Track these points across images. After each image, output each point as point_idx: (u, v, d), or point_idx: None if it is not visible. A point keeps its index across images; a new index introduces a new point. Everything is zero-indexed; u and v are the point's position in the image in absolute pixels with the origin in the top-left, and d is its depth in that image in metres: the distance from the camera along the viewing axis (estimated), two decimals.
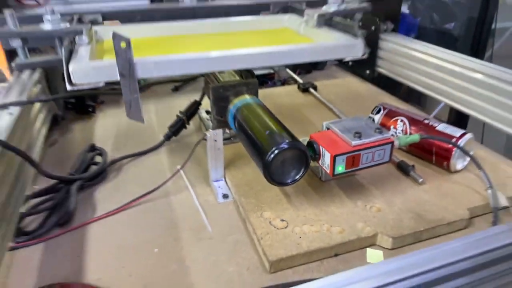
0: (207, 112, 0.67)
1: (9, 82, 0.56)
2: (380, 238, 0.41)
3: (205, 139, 0.50)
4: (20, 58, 0.58)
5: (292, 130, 0.43)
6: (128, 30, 0.58)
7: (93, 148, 0.56)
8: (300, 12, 0.67)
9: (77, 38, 0.51)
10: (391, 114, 0.56)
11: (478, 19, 1.33)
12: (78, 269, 0.39)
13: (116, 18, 0.61)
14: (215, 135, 0.49)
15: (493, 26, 1.37)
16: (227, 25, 0.66)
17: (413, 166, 0.51)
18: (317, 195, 0.47)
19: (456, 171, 0.51)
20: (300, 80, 0.85)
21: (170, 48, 0.60)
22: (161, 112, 0.74)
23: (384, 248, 0.41)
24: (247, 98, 0.51)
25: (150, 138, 0.64)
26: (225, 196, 0.49)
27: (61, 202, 0.47)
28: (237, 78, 0.55)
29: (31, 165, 0.43)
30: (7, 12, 0.50)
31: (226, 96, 0.52)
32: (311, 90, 0.81)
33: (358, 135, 0.42)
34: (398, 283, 0.26)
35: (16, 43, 0.55)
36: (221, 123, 0.54)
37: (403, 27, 1.35)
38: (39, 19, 0.53)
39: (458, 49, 1.48)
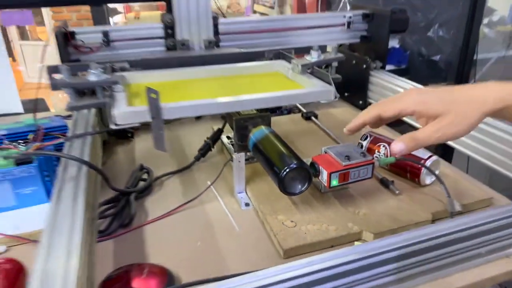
0: (228, 138, 0.82)
1: (73, 116, 0.72)
2: (364, 234, 0.55)
3: (231, 161, 0.65)
4: (71, 102, 0.70)
5: (298, 153, 0.58)
6: (150, 75, 0.75)
7: (142, 167, 0.71)
8: (289, 59, 0.81)
9: (114, 86, 0.66)
10: (376, 140, 0.71)
11: (461, 51, 1.49)
12: (141, 256, 0.53)
13: (139, 65, 0.76)
14: (239, 157, 0.64)
15: (475, 57, 1.53)
16: (229, 70, 0.80)
17: (392, 181, 0.65)
18: (317, 203, 0.61)
19: (425, 185, 0.65)
20: (303, 110, 1.00)
21: (185, 90, 0.73)
22: (188, 138, 0.89)
23: (368, 241, 0.55)
24: (262, 128, 0.66)
25: (182, 159, 0.78)
26: (247, 204, 0.64)
27: (122, 209, 0.61)
28: (254, 111, 0.70)
29: (104, 180, 0.58)
30: (63, 67, 0.65)
31: (246, 126, 0.67)
32: (313, 118, 0.96)
33: (348, 157, 0.57)
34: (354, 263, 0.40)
35: (68, 91, 0.69)
36: (241, 147, 0.68)
37: (395, 59, 1.52)
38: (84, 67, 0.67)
39: (444, 79, 1.65)
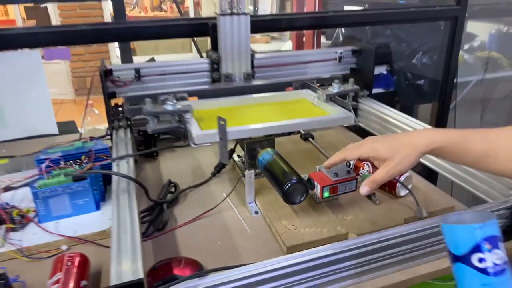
0: (238, 156, 0.98)
1: (114, 139, 0.87)
2: (350, 235, 0.70)
3: (243, 177, 0.81)
4: (151, 125, 0.84)
5: (298, 170, 0.73)
6: (204, 103, 0.91)
7: (170, 182, 0.87)
8: (313, 89, 0.97)
9: (185, 114, 0.82)
10: (360, 160, 0.87)
11: (443, 76, 1.66)
12: (175, 253, 0.68)
13: (194, 95, 0.93)
14: (250, 174, 0.79)
15: (455, 81, 1.70)
16: (265, 98, 0.97)
17: (374, 193, 0.81)
18: (313, 211, 0.77)
19: (400, 196, 0.81)
20: (302, 131, 1.16)
21: (233, 115, 0.88)
22: (204, 157, 1.04)
23: None
24: (268, 149, 0.81)
25: (201, 175, 0.94)
26: (256, 212, 0.79)
27: (157, 216, 0.76)
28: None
29: (145, 193, 0.73)
30: (148, 100, 0.81)
31: (255, 148, 0.83)
32: (310, 139, 1.12)
33: (336, 174, 0.72)
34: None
35: (150, 118, 0.84)
36: (251, 165, 0.84)
37: (384, 83, 1.69)
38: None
39: (429, 100, 1.82)
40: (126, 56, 1.23)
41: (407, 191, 0.80)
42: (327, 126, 1.14)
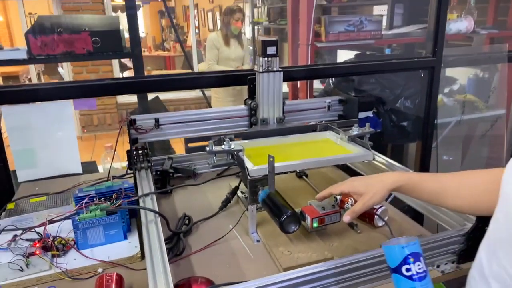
0: (242, 192, 1.14)
1: (138, 179, 1.04)
2: (335, 259, 0.85)
3: (247, 210, 0.96)
4: (213, 162, 0.99)
5: (292, 204, 0.89)
6: (248, 143, 1.08)
7: (185, 215, 1.02)
8: (335, 131, 1.14)
9: (239, 153, 0.98)
10: (345, 195, 1.03)
11: (424, 118, 1.85)
12: (192, 274, 0.83)
13: (238, 136, 1.09)
14: (252, 208, 0.95)
15: (436, 122, 1.89)
16: (296, 138, 1.14)
17: (356, 224, 0.96)
18: (305, 239, 0.92)
19: (378, 226, 0.96)
20: (297, 170, 1.33)
21: (273, 153, 0.96)
22: (212, 192, 1.20)
23: None
24: (267, 187, 0.98)
25: (210, 209, 1.09)
26: (258, 240, 0.94)
27: (175, 244, 0.91)
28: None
29: (166, 224, 0.89)
30: (211, 142, 0.98)
31: (256, 185, 0.99)
32: (304, 177, 1.28)
33: (323, 208, 0.88)
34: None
35: (210, 155, 0.99)
36: (253, 200, 1.00)
37: (371, 125, 1.87)
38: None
39: (412, 139, 2.00)
40: (141, 96, 1.42)
41: (384, 222, 0.96)
42: (349, 162, 1.29)
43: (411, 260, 0.55)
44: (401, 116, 1.88)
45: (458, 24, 2.06)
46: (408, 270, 0.55)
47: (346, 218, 0.77)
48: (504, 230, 0.58)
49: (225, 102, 3.18)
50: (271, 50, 1.16)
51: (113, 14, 4.46)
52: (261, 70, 1.17)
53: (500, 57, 2.05)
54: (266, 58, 1.17)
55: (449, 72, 2.37)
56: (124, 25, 1.39)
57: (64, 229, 0.94)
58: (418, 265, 0.55)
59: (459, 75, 2.41)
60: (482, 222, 0.82)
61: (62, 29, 1.27)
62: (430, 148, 1.89)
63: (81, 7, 4.19)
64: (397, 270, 0.56)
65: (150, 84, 1.28)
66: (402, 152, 2.29)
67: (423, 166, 1.90)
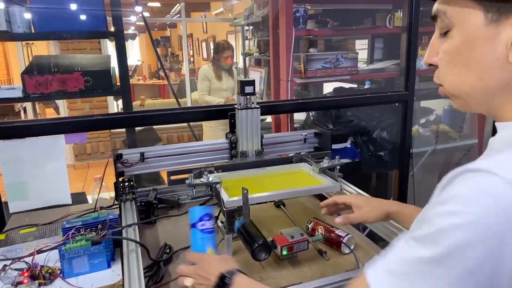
0: (222, 222, 1.21)
1: (123, 210, 1.11)
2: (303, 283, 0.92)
3: (223, 237, 1.04)
4: (192, 194, 1.08)
5: (267, 233, 0.97)
6: (226, 175, 1.15)
7: (166, 245, 1.09)
8: (309, 162, 1.23)
9: (217, 185, 1.06)
10: (316, 224, 1.11)
11: (400, 148, 1.95)
12: None
13: (219, 168, 1.17)
14: (229, 237, 1.03)
15: (411, 151, 1.99)
16: (272, 170, 1.23)
17: (325, 251, 1.04)
18: (277, 265, 0.99)
19: (346, 253, 1.04)
20: (276, 200, 1.41)
21: (247, 184, 1.05)
22: None
23: None
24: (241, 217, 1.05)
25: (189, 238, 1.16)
26: None
27: (155, 272, 0.98)
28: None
29: (147, 253, 0.95)
30: (191, 175, 1.06)
31: (233, 215, 1.06)
32: (281, 206, 1.36)
33: (292, 237, 0.96)
34: None
35: (190, 187, 1.07)
36: (230, 229, 1.07)
37: (349, 155, 1.98)
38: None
39: (390, 168, 2.09)
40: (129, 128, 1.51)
41: (349, 249, 1.03)
42: (319, 192, 1.38)
43: (206, 218, 0.79)
44: (378, 146, 1.98)
45: None
46: (202, 225, 0.79)
47: (338, 219, 0.87)
48: None
49: (217, 131, 3.28)
50: (248, 89, 1.27)
51: (109, 54, 4.61)
52: (240, 107, 1.28)
53: None
54: (244, 96, 1.27)
55: (426, 103, 2.51)
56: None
57: (51, 259, 1.00)
58: (210, 223, 0.80)
59: (435, 106, 2.55)
60: None
61: (56, 69, 1.37)
62: (407, 176, 1.99)
63: (77, 40, 4.34)
64: (195, 225, 0.79)
65: (137, 119, 1.38)
66: (387, 179, 2.38)
67: (401, 193, 1.99)
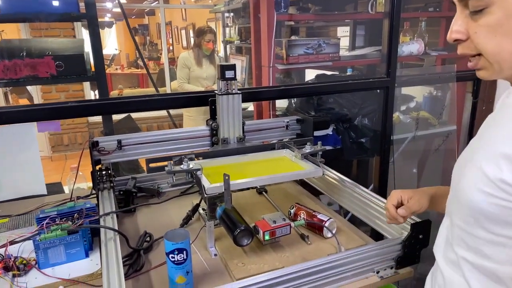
0: (203, 209, 1.19)
1: (100, 199, 1.08)
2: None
3: (205, 226, 1.02)
4: (173, 182, 1.03)
5: (249, 219, 0.95)
6: (207, 162, 1.13)
7: (146, 233, 1.06)
8: (292, 149, 1.21)
9: (198, 172, 1.03)
10: (298, 209, 1.10)
11: (381, 134, 1.97)
12: (150, 286, 0.87)
13: (200, 155, 1.14)
14: (210, 224, 1.01)
15: (392, 138, 2.01)
16: (254, 156, 1.21)
17: (307, 236, 1.03)
18: (259, 251, 0.98)
19: (328, 237, 1.04)
20: (258, 186, 1.39)
21: (230, 171, 1.03)
22: (174, 210, 1.24)
23: None
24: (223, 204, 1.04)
25: (171, 226, 1.14)
26: (215, 254, 0.99)
27: (135, 260, 0.95)
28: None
29: (126, 242, 0.93)
30: (170, 163, 1.02)
31: (215, 202, 1.05)
32: (264, 193, 1.35)
33: (274, 222, 0.95)
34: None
35: (169, 175, 1.04)
36: (212, 216, 1.05)
37: (331, 142, 1.98)
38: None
39: (371, 155, 2.11)
40: (106, 117, 1.46)
41: (331, 233, 1.03)
42: (301, 178, 1.38)
43: (176, 252, 0.81)
44: (359, 133, 1.99)
45: (410, 46, 2.21)
46: (172, 257, 0.82)
47: (402, 211, 0.85)
48: (451, 200, 0.72)
49: (198, 121, 3.23)
50: (229, 74, 1.24)
51: (82, 38, 4.45)
52: (220, 93, 1.25)
53: (449, 77, 2.22)
54: (225, 82, 1.25)
55: (407, 90, 2.53)
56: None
57: (26, 250, 0.97)
58: (180, 256, 0.82)
59: (416, 93, 2.57)
60: (416, 231, 0.91)
61: (25, 54, 1.31)
62: (388, 163, 2.01)
63: (49, 26, 4.17)
64: (168, 255, 0.82)
65: (114, 106, 1.33)
66: (367, 166, 2.40)
67: (382, 179, 2.01)
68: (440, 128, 2.28)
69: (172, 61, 6.44)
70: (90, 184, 1.35)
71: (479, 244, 0.63)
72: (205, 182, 0.98)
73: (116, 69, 8.09)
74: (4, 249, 0.94)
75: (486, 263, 0.63)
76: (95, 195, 1.25)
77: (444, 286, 0.72)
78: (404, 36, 2.31)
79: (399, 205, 0.87)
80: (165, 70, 5.22)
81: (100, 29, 1.58)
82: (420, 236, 0.92)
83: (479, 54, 0.62)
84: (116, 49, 9.50)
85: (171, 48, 8.59)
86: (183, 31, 7.83)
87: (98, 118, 4.75)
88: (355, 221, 1.16)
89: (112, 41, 9.86)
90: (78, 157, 1.23)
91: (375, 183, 2.02)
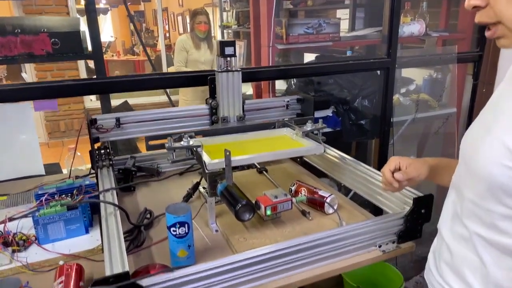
0: (204, 188, 1.18)
1: (99, 176, 1.06)
2: None
3: (206, 202, 1.01)
4: (173, 158, 1.03)
5: (250, 195, 0.95)
6: (208, 140, 1.12)
7: (146, 210, 1.06)
8: (292, 127, 1.20)
9: (198, 149, 1.02)
10: (299, 186, 1.10)
11: (381, 116, 1.95)
12: (151, 261, 0.87)
13: (200, 133, 1.13)
14: (211, 200, 1.00)
15: (392, 120, 2.00)
16: (255, 135, 1.20)
17: (308, 212, 1.03)
18: (261, 226, 0.98)
19: (329, 213, 1.03)
20: (258, 166, 1.39)
21: (232, 149, 1.00)
22: (175, 189, 1.24)
23: None
24: (224, 180, 1.03)
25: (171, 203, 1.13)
26: (216, 230, 0.99)
27: (136, 236, 0.95)
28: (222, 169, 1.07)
29: (127, 217, 0.92)
30: (170, 139, 1.01)
31: (216, 179, 1.04)
32: (264, 172, 1.34)
33: (276, 197, 0.94)
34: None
35: (170, 152, 1.03)
36: (212, 194, 1.04)
37: (331, 123, 1.96)
38: None
39: (371, 137, 2.10)
40: (104, 100, 1.44)
41: (334, 210, 1.03)
42: (303, 155, 1.36)
43: (178, 225, 0.81)
44: (359, 115, 1.98)
45: (411, 27, 2.19)
46: (174, 231, 0.82)
47: (398, 175, 0.83)
48: (462, 174, 0.71)
49: (194, 105, 3.20)
50: (229, 50, 1.22)
51: (78, 17, 4.38)
52: (220, 70, 1.23)
53: (450, 59, 2.20)
54: (224, 59, 1.23)
55: (406, 73, 2.51)
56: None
57: (25, 226, 0.96)
58: (181, 229, 0.82)
59: (415, 76, 2.56)
60: (418, 205, 0.91)
61: (19, 30, 1.27)
62: (387, 145, 2.00)
63: (43, 10, 4.10)
64: (169, 228, 0.82)
65: (111, 85, 1.31)
66: (366, 148, 2.39)
67: (381, 161, 2.00)
68: (440, 111, 2.27)
69: (169, 47, 6.37)
70: (89, 166, 1.34)
71: (494, 219, 0.62)
72: (206, 158, 0.97)
73: (113, 55, 8.00)
74: (3, 225, 0.93)
75: (501, 238, 0.62)
76: (94, 175, 1.24)
77: (451, 261, 0.72)
78: (405, 17, 2.28)
79: (397, 171, 0.85)
80: (162, 57, 5.16)
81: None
82: (422, 211, 0.92)
83: (498, 22, 0.60)
84: (112, 36, 9.37)
85: (167, 34, 8.48)
86: (179, 17, 7.72)
87: (95, 104, 4.72)
88: (356, 202, 1.15)
89: (108, 28, 9.71)
90: (75, 143, 1.22)
91: (374, 166, 2.01)
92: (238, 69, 1.25)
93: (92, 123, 1.16)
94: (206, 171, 0.95)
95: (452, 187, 0.76)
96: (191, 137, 1.09)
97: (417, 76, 2.57)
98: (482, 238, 0.65)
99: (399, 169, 0.85)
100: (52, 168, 1.51)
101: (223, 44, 1.21)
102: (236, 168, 1.38)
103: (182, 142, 1.02)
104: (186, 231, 0.82)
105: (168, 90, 2.60)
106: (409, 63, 2.11)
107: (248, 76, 1.49)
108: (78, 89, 1.31)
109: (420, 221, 0.93)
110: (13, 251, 0.86)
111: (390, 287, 1.51)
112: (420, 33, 2.22)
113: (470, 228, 0.67)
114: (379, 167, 2.00)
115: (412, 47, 2.36)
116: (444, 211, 0.77)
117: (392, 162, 0.87)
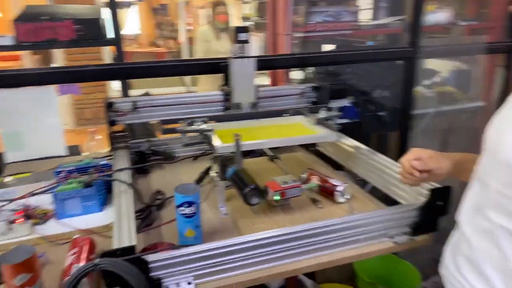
0: (216, 173, 1.20)
1: (115, 156, 1.10)
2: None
3: (216, 185, 1.03)
4: (185, 139, 1.09)
5: (260, 181, 0.95)
6: (220, 125, 1.14)
7: (158, 191, 1.09)
8: (306, 115, 1.21)
9: (209, 133, 1.05)
10: (310, 174, 1.10)
11: (401, 108, 1.91)
12: (160, 240, 0.89)
13: (212, 119, 1.16)
14: (222, 184, 1.02)
15: (413, 112, 1.95)
16: (269, 121, 1.21)
17: (319, 200, 1.03)
18: (269, 212, 0.99)
19: (340, 202, 1.03)
20: (271, 153, 1.39)
21: (244, 134, 1.03)
22: (187, 172, 1.26)
23: None
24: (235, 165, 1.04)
25: None
26: (225, 214, 1.01)
27: (147, 216, 0.98)
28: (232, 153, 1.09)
29: (138, 197, 0.95)
30: (183, 123, 1.05)
31: (226, 164, 1.05)
32: (274, 160, 1.34)
33: (285, 183, 0.95)
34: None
35: (182, 135, 1.08)
36: (223, 178, 1.06)
37: (349, 115, 1.93)
38: None
39: (390, 129, 2.05)
40: (124, 89, 1.49)
41: (345, 199, 1.02)
42: (316, 142, 1.37)
43: (186, 205, 0.83)
44: (378, 106, 1.94)
45: (437, 15, 2.11)
46: (182, 210, 0.83)
47: (416, 163, 0.81)
48: (488, 163, 0.69)
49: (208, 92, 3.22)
50: (242, 36, 1.22)
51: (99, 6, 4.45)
52: (234, 56, 1.23)
53: (478, 49, 2.11)
54: (238, 45, 1.23)
55: (431, 64, 2.43)
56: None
57: (45, 202, 1.01)
58: (190, 209, 0.83)
59: (440, 68, 2.47)
60: (435, 197, 0.88)
61: (47, 17, 1.33)
62: (406, 139, 1.96)
63: (74, 1, 4.21)
64: (177, 208, 0.84)
65: (130, 70, 1.33)
66: (386, 141, 2.34)
67: (402, 155, 1.96)
68: (466, 104, 2.19)
69: (190, 40, 6.42)
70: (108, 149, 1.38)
71: None
72: (216, 141, 0.99)
73: (137, 47, 8.18)
74: (25, 199, 0.98)
75: None
76: (112, 157, 1.28)
77: (471, 255, 0.70)
78: (431, 5, 2.21)
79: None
80: (182, 49, 5.20)
81: (119, 10, 1.58)
82: (439, 203, 0.89)
83: None
84: (139, 30, 9.53)
85: (190, 27, 8.55)
86: (202, 10, 7.76)
87: (118, 94, 4.84)
88: (375, 197, 1.12)
89: (134, 22, 9.90)
90: (100, 131, 1.26)
91: (395, 159, 1.97)
92: (252, 56, 1.25)
93: (109, 106, 1.19)
94: (216, 154, 0.97)
95: (475, 179, 0.73)
96: (204, 122, 1.11)
97: (442, 69, 2.49)
98: (507, 230, 0.63)
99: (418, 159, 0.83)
100: (73, 150, 1.57)
101: (237, 30, 1.21)
102: (247, 155, 1.39)
103: (194, 126, 1.04)
104: (194, 211, 0.84)
105: (187, 81, 2.63)
106: (434, 53, 2.04)
107: (264, 64, 1.49)
108: (98, 74, 1.35)
109: (436, 213, 0.90)
110: (34, 224, 0.91)
111: (405, 285, 1.47)
112: (449, 21, 2.14)
113: (494, 220, 0.65)
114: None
115: (436, 37, 2.28)
116: (465, 203, 0.75)
117: (412, 152, 0.84)
